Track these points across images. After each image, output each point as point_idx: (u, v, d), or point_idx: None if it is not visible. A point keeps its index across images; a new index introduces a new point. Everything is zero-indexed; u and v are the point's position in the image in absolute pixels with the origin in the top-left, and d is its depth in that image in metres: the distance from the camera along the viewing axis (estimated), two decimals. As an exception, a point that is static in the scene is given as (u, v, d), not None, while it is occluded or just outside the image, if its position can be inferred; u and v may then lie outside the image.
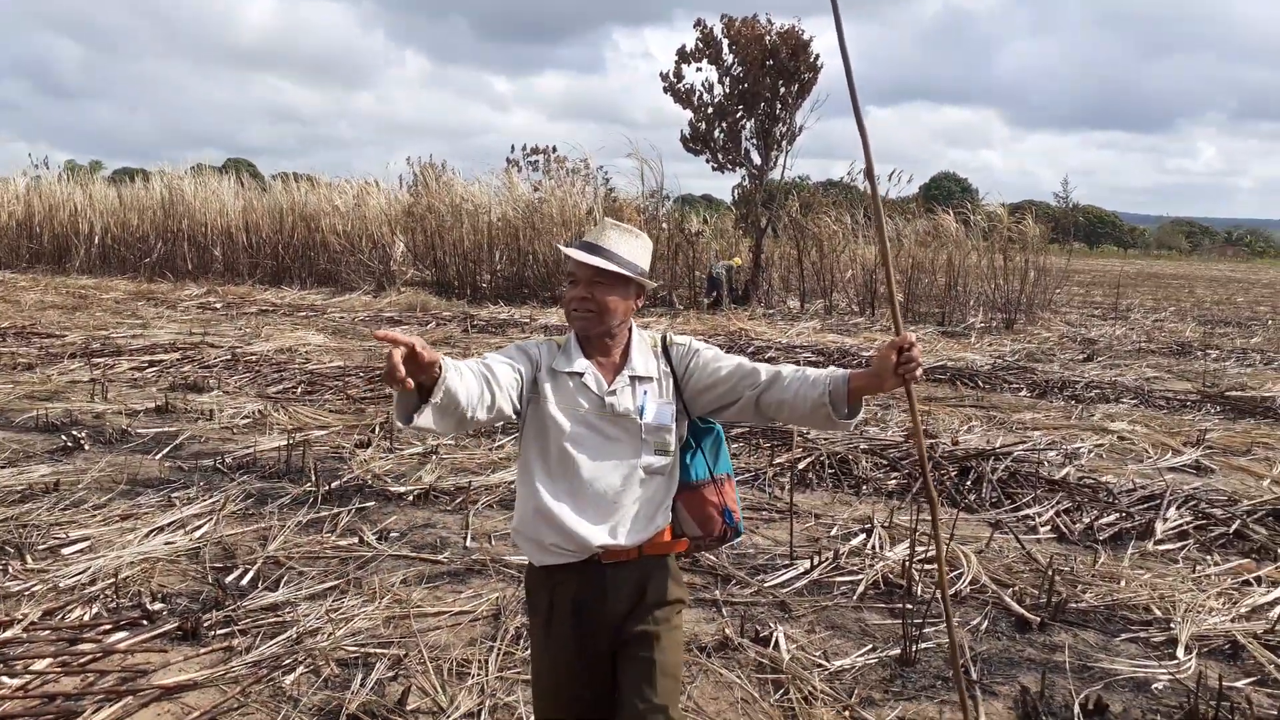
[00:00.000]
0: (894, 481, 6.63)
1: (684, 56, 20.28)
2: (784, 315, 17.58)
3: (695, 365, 2.46)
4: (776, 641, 4.08)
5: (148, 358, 10.65)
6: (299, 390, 9.25)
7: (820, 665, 3.94)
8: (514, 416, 2.34)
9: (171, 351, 11.06)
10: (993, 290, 18.03)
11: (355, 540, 5.23)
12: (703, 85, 20.17)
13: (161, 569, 4.75)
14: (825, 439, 7.32)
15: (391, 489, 6.08)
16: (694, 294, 18.59)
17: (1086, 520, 5.85)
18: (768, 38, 19.35)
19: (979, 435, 7.92)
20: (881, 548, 5.27)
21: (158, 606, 4.24)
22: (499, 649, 3.94)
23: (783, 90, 19.55)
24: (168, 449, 6.94)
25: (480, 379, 2.21)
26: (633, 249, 2.42)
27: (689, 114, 20.38)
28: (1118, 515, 5.93)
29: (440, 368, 2.04)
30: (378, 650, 3.93)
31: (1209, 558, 5.30)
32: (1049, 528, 5.78)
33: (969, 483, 6.50)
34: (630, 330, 2.47)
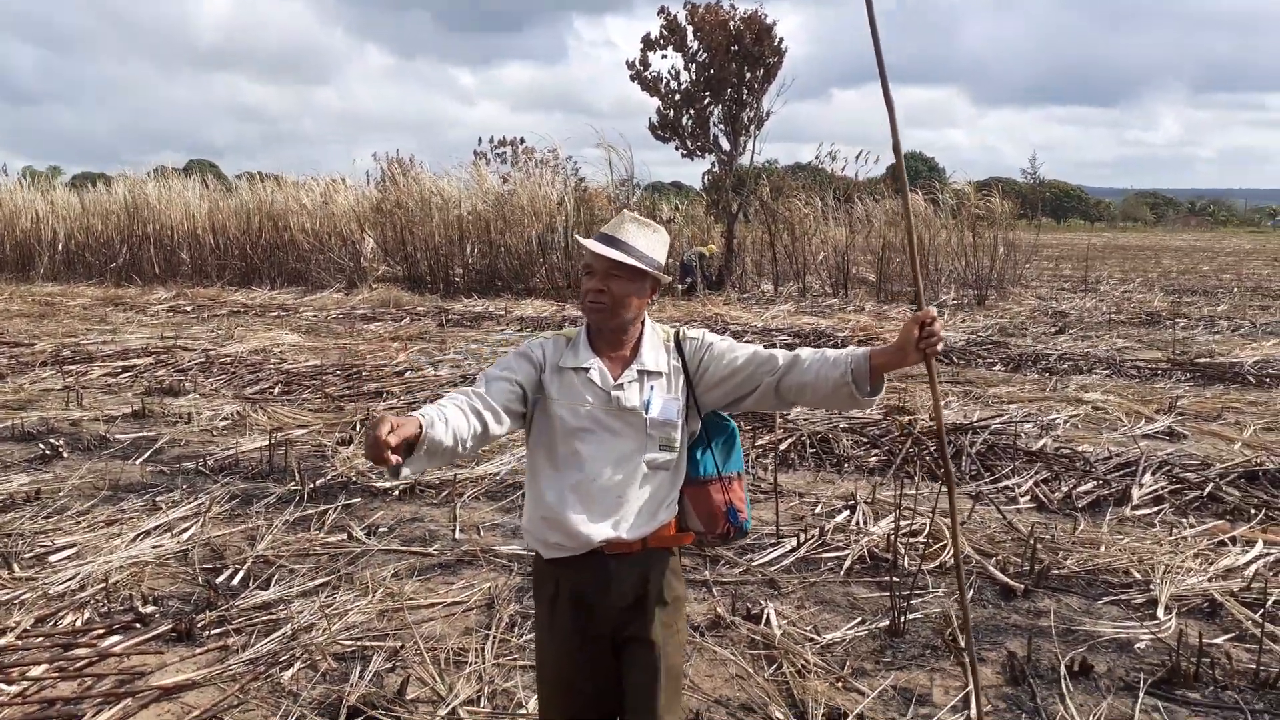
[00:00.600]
0: (875, 458, 6.72)
1: (649, 44, 20.32)
2: (758, 299, 17.65)
3: (709, 358, 2.45)
4: (767, 618, 4.15)
5: (121, 363, 10.53)
6: (276, 390, 9.20)
7: (811, 639, 4.01)
8: (516, 426, 2.37)
9: (144, 356, 10.95)
10: (964, 267, 18.20)
11: (344, 536, 5.24)
12: (669, 72, 20.23)
13: (151, 572, 4.73)
14: (805, 419, 7.39)
15: (376, 485, 6.09)
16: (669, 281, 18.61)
17: (1065, 489, 5.96)
18: (731, 23, 19.42)
19: (956, 410, 8.03)
20: (865, 523, 5.35)
21: (150, 609, 4.23)
22: (494, 636, 3.97)
23: (748, 75, 19.65)
24: (148, 453, 6.90)
25: (467, 412, 2.23)
26: (650, 243, 2.43)
27: (656, 101, 20.44)
28: (1095, 483, 6.05)
29: (420, 426, 2.08)
30: (374, 643, 3.95)
31: (1185, 521, 5.43)
32: (1028, 498, 5.89)
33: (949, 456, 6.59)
34: (643, 324, 2.47)
